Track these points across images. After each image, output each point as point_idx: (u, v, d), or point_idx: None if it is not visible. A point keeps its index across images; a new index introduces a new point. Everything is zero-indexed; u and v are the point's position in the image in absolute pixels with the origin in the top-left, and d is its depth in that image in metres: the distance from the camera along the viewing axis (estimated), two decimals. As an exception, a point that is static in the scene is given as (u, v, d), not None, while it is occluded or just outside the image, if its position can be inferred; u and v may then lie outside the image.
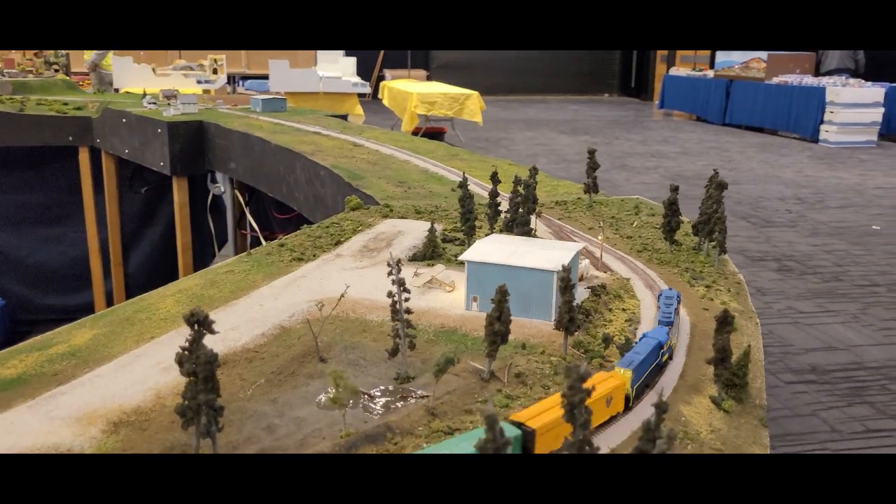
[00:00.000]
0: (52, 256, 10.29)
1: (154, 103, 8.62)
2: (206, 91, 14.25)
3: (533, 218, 3.33)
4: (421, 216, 3.57)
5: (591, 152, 3.87)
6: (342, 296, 2.22)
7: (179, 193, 7.67)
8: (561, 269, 2.14)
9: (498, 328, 1.84)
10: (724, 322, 1.91)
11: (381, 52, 27.06)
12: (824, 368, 6.50)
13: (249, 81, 18.87)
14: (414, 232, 3.25)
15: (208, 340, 2.06)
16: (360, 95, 16.19)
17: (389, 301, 2.05)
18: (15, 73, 14.90)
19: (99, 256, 9.60)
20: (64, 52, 15.74)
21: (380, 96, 19.96)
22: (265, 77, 15.13)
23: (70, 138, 9.03)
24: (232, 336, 2.11)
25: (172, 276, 8.38)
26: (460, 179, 2.99)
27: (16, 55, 15.97)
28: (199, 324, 1.43)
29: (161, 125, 7.41)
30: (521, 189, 2.96)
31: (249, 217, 7.32)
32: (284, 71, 15.13)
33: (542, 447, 1.52)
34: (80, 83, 14.73)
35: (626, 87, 30.47)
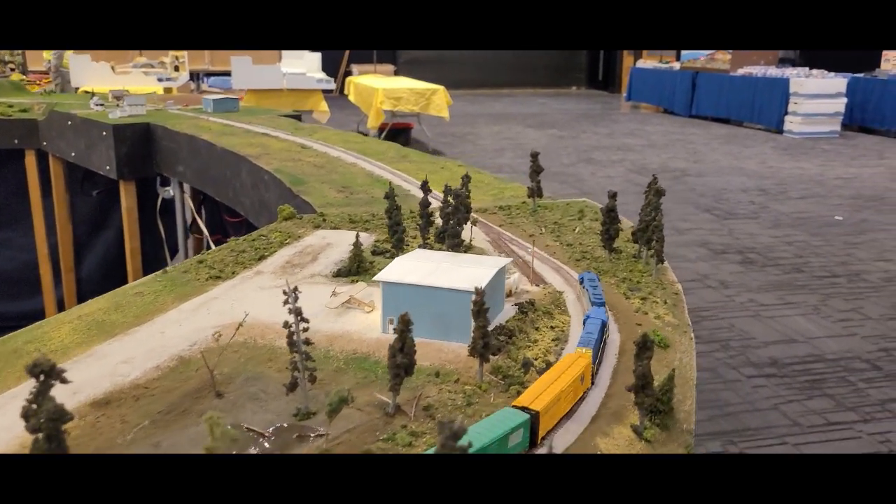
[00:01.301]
0: (0, 262, 10.01)
1: (101, 105, 8.36)
2: (168, 89, 13.95)
3: (468, 227, 3.21)
4: (355, 226, 3.43)
5: (535, 155, 3.75)
6: (240, 325, 2.07)
7: (127, 198, 7.44)
8: (475, 290, 2.01)
9: (400, 361, 1.71)
10: (644, 347, 1.80)
11: (347, 47, 26.81)
12: (784, 361, 6.48)
13: (213, 78, 18.59)
14: (344, 244, 3.10)
15: (95, 374, 1.91)
16: (327, 91, 15.98)
17: (294, 329, 1.91)
18: (-30, 73, 14.52)
19: (49, 262, 9.33)
20: (19, 50, 15.35)
21: (346, 92, 19.74)
22: (229, 74, 14.87)
23: (15, 141, 8.76)
24: (122, 370, 1.95)
25: (126, 280, 8.16)
26: (408, 185, 2.87)
27: (-30, 55, 15.55)
28: (45, 374, 1.29)
29: (106, 128, 7.18)
30: (451, 199, 2.83)
31: (199, 221, 7.12)
32: (247, 68, 14.90)
33: (544, 427, 1.68)
34: (38, 82, 14.37)
35: (593, 79, 30.48)
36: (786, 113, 18.00)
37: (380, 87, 16.52)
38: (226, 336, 2.04)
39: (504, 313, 2.37)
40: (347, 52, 26.88)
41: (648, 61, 24.59)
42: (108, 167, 7.29)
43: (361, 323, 2.27)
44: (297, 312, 1.77)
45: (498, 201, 4.10)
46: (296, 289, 1.78)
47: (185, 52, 14.74)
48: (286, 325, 1.78)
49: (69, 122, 7.92)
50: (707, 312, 7.64)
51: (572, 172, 14.40)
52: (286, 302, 1.77)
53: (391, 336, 2.21)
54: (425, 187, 2.89)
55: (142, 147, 7.19)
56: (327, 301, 2.33)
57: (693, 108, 21.09)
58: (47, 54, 15.19)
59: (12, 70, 15.56)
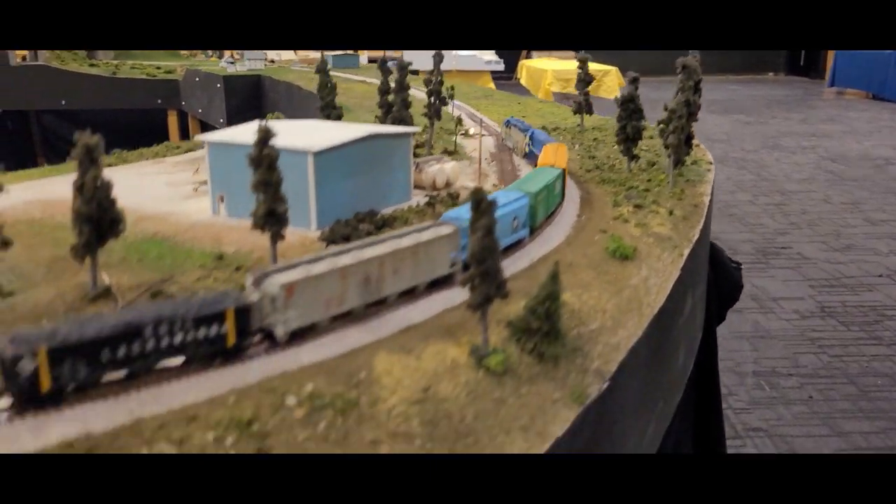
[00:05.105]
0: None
1: (232, 63, 8.38)
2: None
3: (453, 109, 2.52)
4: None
5: (583, 61, 2.97)
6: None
7: (237, 151, 7.31)
8: (311, 155, 1.35)
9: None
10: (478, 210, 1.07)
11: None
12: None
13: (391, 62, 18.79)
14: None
15: None
16: (498, 73, 15.60)
17: None
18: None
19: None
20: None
21: (517, 76, 19.27)
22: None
23: (158, 101, 9.03)
24: None
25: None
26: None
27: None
28: None
29: (219, 80, 7.10)
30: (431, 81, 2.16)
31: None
32: (418, 50, 14.88)
33: None
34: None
35: (794, 65, 27.67)
36: None
37: (549, 68, 15.82)
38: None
39: (405, 200, 1.69)
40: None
41: (860, 42, 21.91)
42: (221, 120, 7.21)
43: (201, 204, 1.68)
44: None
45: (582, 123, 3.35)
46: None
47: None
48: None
49: (196, 79, 7.98)
50: (892, 311, 6.37)
51: (753, 158, 12.95)
52: None
53: (222, 218, 1.60)
54: (384, 66, 2.24)
55: (251, 99, 7.05)
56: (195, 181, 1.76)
57: (910, 92, 18.45)
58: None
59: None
